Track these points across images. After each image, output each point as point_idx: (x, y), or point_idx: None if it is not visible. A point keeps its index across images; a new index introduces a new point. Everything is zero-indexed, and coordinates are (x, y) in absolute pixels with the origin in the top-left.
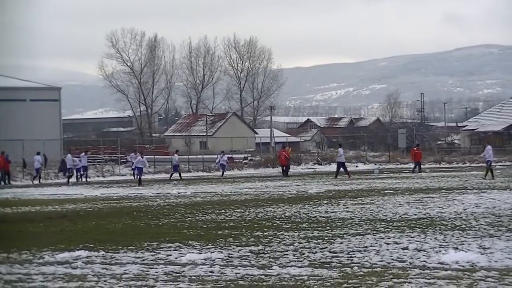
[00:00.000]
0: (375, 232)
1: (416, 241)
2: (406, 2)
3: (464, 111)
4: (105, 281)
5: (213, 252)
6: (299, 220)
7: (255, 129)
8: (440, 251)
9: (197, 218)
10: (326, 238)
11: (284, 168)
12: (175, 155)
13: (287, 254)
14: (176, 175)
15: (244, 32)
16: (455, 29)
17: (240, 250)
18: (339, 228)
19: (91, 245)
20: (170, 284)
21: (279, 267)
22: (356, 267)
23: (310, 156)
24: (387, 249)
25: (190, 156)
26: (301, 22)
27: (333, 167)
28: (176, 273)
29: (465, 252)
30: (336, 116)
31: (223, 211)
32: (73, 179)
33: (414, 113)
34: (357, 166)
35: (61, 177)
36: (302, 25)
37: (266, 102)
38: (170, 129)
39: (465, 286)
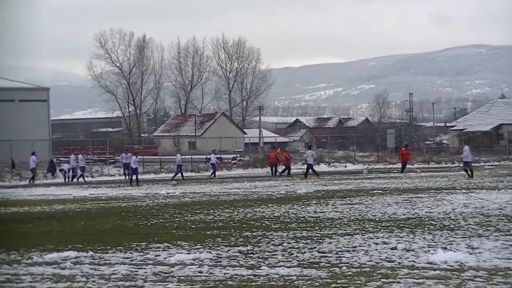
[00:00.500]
0: (364, 232)
1: (404, 241)
2: (395, 2)
3: (452, 111)
4: (93, 281)
5: (202, 253)
6: (288, 220)
7: (244, 129)
8: (428, 251)
9: (186, 218)
10: (315, 238)
11: (285, 168)
12: (178, 154)
13: (276, 254)
14: (179, 175)
15: (233, 32)
16: (444, 29)
17: (229, 250)
18: (328, 228)
19: (80, 246)
20: (159, 285)
21: (268, 267)
22: (345, 267)
23: (299, 156)
24: (376, 249)
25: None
26: (290, 22)
27: (322, 167)
28: (165, 273)
29: (454, 252)
30: (325, 116)
31: (212, 211)
32: (75, 179)
33: (403, 113)
34: (346, 166)
35: (50, 177)
36: (291, 25)
37: (255, 102)
38: (159, 129)
39: (453, 286)
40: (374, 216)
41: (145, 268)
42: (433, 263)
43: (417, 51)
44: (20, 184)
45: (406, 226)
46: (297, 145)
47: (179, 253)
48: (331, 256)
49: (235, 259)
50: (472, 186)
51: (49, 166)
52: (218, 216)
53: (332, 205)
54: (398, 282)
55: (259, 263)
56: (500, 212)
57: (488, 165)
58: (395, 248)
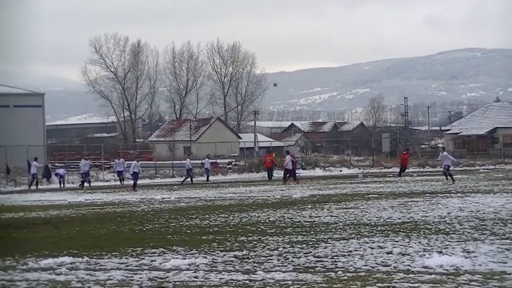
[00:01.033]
0: (359, 236)
1: (400, 245)
2: (389, 6)
3: (447, 115)
4: (89, 287)
5: (197, 258)
6: (284, 225)
7: (239, 134)
8: (424, 255)
9: (181, 223)
10: (310, 243)
11: (290, 172)
12: (188, 159)
13: (271, 259)
14: (188, 179)
15: (228, 37)
16: (438, 32)
17: (224, 255)
18: (323, 233)
19: (75, 251)
20: None
21: (264, 272)
22: (340, 272)
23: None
24: (371, 254)
25: (174, 161)
26: (285, 27)
27: (317, 171)
28: (161, 278)
29: (449, 256)
30: (320, 120)
31: (207, 216)
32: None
33: (398, 117)
34: (341, 171)
35: (45, 183)
36: (286, 30)
37: (250, 107)
38: (154, 134)
39: None
40: (370, 220)
41: (140, 274)
42: (429, 267)
43: (411, 55)
44: (15, 189)
45: (402, 230)
46: (292, 149)
47: (174, 258)
48: (327, 261)
49: (230, 264)
50: (467, 190)
51: (44, 171)
52: (213, 221)
53: (328, 209)
54: (393, 287)
55: (255, 268)
56: (495, 215)
57: (483, 169)
58: (390, 253)
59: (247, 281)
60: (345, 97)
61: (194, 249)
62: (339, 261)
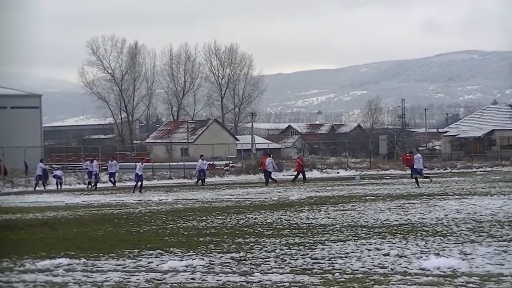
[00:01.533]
0: (357, 238)
1: (397, 247)
2: (387, 8)
3: (445, 117)
4: None
5: (195, 259)
6: (281, 226)
7: (236, 136)
8: (421, 257)
9: (179, 225)
10: (307, 245)
11: (298, 173)
12: (200, 160)
13: (268, 261)
14: (199, 181)
15: (225, 39)
16: (435, 35)
17: (221, 257)
18: (320, 235)
19: (72, 253)
20: None
21: (261, 274)
22: (337, 274)
23: (291, 162)
24: (369, 255)
25: (171, 163)
26: (282, 28)
27: (314, 173)
28: (158, 280)
29: (447, 258)
30: (317, 122)
31: (204, 218)
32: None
33: (395, 119)
34: (338, 173)
35: (41, 184)
36: (283, 32)
37: (247, 108)
38: (151, 136)
39: None
40: (367, 222)
41: (137, 275)
42: (426, 269)
43: (408, 57)
44: (13, 191)
45: (399, 232)
46: (289, 151)
47: (171, 260)
48: (324, 263)
49: (227, 266)
50: (464, 192)
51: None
52: (210, 223)
53: (325, 211)
54: None
55: (252, 269)
56: (492, 218)
57: (481, 171)
58: (387, 254)
59: (244, 283)
60: (343, 99)
61: (191, 251)
62: (336, 263)
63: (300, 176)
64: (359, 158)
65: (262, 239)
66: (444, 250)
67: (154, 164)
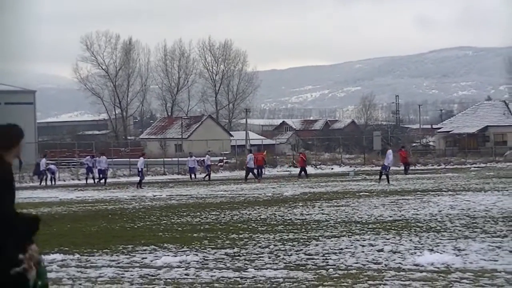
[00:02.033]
0: (350, 234)
1: (391, 243)
2: (381, 4)
3: (439, 113)
4: (80, 284)
5: (189, 255)
6: (275, 222)
7: (230, 132)
8: (415, 253)
9: (173, 221)
10: (301, 240)
11: (302, 170)
12: (207, 155)
13: (262, 257)
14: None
15: (219, 35)
16: (429, 31)
17: (215, 252)
18: (314, 230)
19: (66, 248)
20: (146, 287)
21: (255, 269)
22: (331, 269)
23: (285, 158)
24: (362, 251)
25: (165, 159)
26: (276, 24)
27: (308, 169)
28: (152, 276)
29: (440, 253)
30: (311, 118)
31: (198, 213)
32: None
33: (389, 115)
34: (332, 169)
35: (36, 180)
36: (277, 28)
37: (241, 104)
38: (145, 132)
39: (440, 287)
40: (361, 218)
41: (131, 271)
42: (420, 265)
43: (403, 53)
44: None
45: (393, 228)
46: (283, 147)
47: (165, 255)
48: (318, 258)
49: (221, 262)
50: (458, 188)
51: (35, 169)
52: (204, 219)
53: (319, 207)
54: (384, 284)
55: (246, 265)
56: (486, 213)
57: (475, 167)
58: (381, 250)
59: (238, 279)
60: (337, 95)
61: (185, 247)
62: (330, 258)
63: (304, 172)
64: (353, 154)
65: (256, 235)
66: (438, 246)
67: (148, 160)
